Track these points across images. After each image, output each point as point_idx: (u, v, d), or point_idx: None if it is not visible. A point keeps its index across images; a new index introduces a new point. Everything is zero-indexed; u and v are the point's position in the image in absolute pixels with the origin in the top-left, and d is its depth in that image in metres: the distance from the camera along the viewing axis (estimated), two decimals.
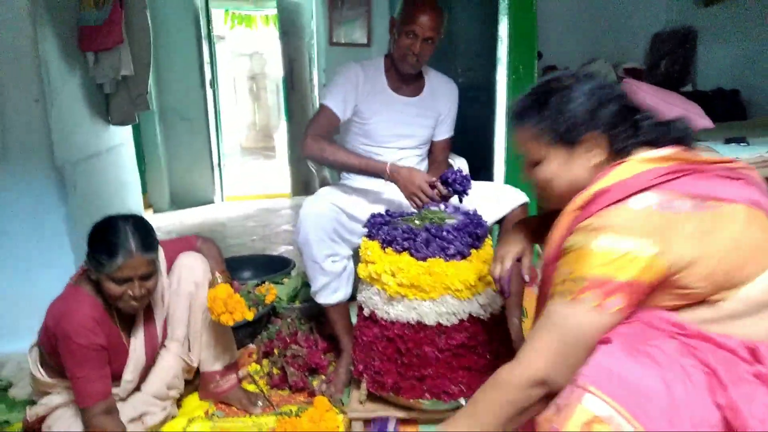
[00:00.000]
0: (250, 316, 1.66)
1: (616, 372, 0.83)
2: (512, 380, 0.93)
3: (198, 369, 1.80)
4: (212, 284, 1.70)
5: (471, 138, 2.52)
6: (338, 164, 1.89)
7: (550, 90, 1.05)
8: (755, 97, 4.00)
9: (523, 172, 1.13)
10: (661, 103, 2.44)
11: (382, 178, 1.81)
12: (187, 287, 1.69)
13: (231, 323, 1.63)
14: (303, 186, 5.69)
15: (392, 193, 2.04)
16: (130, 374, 1.60)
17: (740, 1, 4.16)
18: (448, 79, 2.20)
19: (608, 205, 0.93)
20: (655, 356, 0.84)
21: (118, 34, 2.47)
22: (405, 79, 2.06)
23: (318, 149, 1.87)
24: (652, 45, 5.24)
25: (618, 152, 1.02)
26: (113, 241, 1.44)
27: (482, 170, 2.48)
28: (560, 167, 1.05)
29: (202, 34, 5.06)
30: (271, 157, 9.31)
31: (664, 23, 5.20)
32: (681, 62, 4.91)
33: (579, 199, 0.99)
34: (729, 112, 3.80)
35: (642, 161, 0.97)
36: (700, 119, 2.42)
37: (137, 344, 1.61)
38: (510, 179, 2.47)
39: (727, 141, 2.41)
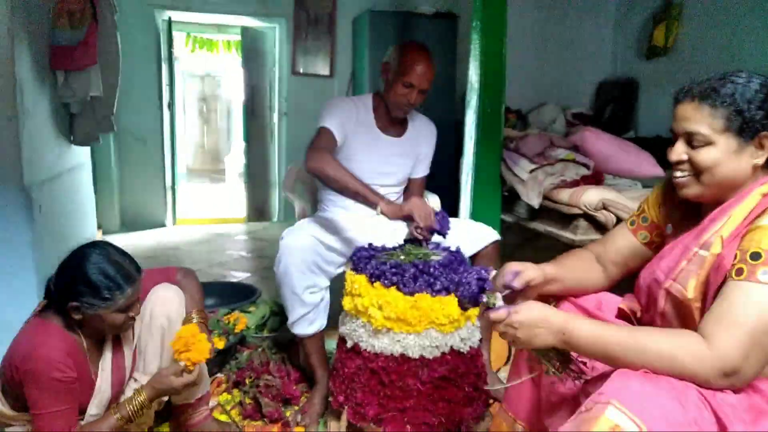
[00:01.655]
0: (205, 356, 1.62)
1: (636, 390, 0.91)
2: (702, 369, 0.93)
3: (169, 400, 1.77)
4: (186, 322, 1.66)
5: (438, 175, 2.61)
6: (339, 181, 1.84)
7: (736, 81, 1.06)
8: None
9: (676, 149, 1.11)
10: (618, 151, 2.62)
11: (373, 209, 1.84)
12: (159, 321, 1.62)
13: (190, 365, 1.54)
14: (258, 212, 5.66)
15: (370, 224, 2.10)
16: (95, 408, 1.54)
17: (677, 56, 4.50)
18: (428, 120, 2.30)
19: None
20: (671, 381, 0.93)
21: (92, 55, 2.45)
22: (391, 120, 2.14)
23: (323, 161, 1.85)
24: (598, 92, 5.56)
25: None
26: (116, 275, 1.41)
27: (449, 206, 2.57)
28: (728, 156, 1.06)
29: (163, 56, 5.02)
30: (219, 180, 9.19)
31: (609, 72, 5.54)
32: (624, 110, 5.23)
33: (764, 188, 1.05)
34: (666, 156, 4.07)
35: None
36: (652, 167, 2.61)
37: (104, 377, 1.55)
38: (476, 216, 2.57)
39: None
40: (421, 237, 1.77)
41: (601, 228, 2.35)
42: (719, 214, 1.09)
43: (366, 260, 1.57)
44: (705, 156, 1.07)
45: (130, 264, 1.47)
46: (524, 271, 1.22)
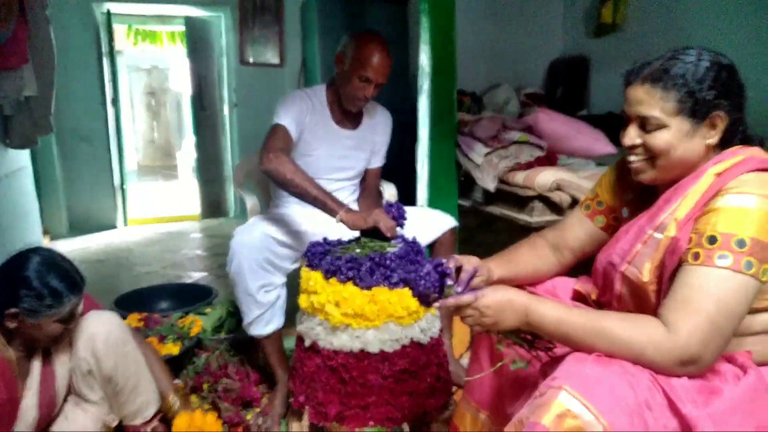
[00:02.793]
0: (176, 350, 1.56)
1: (588, 374, 0.90)
2: (661, 357, 0.92)
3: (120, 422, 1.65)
4: (169, 410, 1.56)
5: (394, 162, 2.58)
6: (296, 186, 1.74)
7: (686, 60, 1.04)
8: None
9: (629, 134, 1.09)
10: (571, 131, 2.63)
11: (333, 217, 1.73)
12: (85, 359, 1.46)
13: None
14: (213, 208, 5.53)
15: (322, 218, 2.04)
16: (22, 427, 1.43)
17: (626, 33, 4.56)
18: (384, 108, 2.24)
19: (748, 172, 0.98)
20: (623, 365, 0.92)
21: (23, 53, 2.30)
22: (346, 112, 2.08)
23: (280, 163, 1.75)
24: (550, 72, 5.60)
25: (725, 141, 1.06)
26: (62, 281, 1.33)
27: (406, 193, 2.54)
28: (681, 139, 1.04)
29: (103, 51, 4.81)
30: (172, 176, 8.95)
31: (560, 51, 5.58)
32: (576, 88, 5.29)
33: (717, 168, 1.03)
34: (619, 133, 4.14)
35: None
36: (604, 146, 2.63)
37: (30, 396, 1.42)
38: (433, 203, 2.55)
39: None
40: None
41: (557, 209, 2.36)
42: (673, 195, 1.07)
43: (320, 256, 1.52)
44: (659, 140, 1.05)
45: (75, 272, 1.39)
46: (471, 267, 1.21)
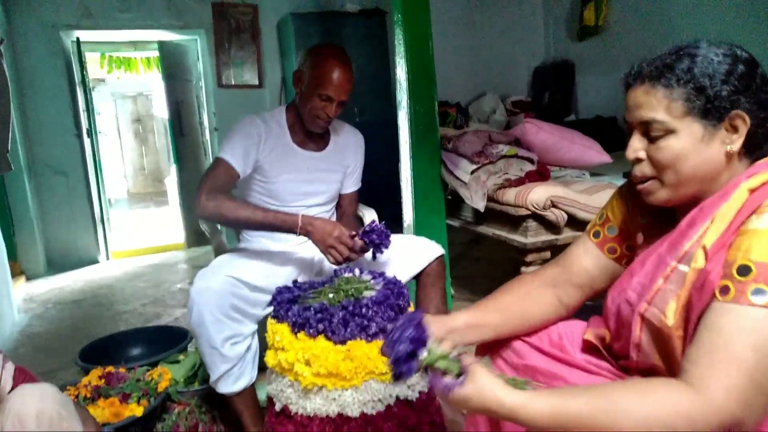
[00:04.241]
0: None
1: None
2: (698, 422, 0.73)
3: None
4: None
5: (375, 182, 2.41)
6: (241, 222, 1.69)
7: (693, 53, 0.88)
8: None
9: (631, 146, 0.92)
10: (562, 141, 2.46)
11: (293, 233, 1.65)
12: None
13: None
14: (198, 236, 5.34)
15: (301, 252, 1.87)
16: None
17: (610, 35, 4.45)
18: (354, 129, 2.09)
19: None
20: None
21: None
22: (310, 134, 1.92)
23: (215, 207, 1.66)
24: (534, 78, 5.49)
25: (752, 148, 0.88)
26: None
27: (393, 216, 2.38)
28: (693, 144, 0.87)
29: (76, 81, 4.64)
30: (163, 203, 8.80)
31: (544, 57, 5.48)
32: (562, 93, 5.16)
33: (751, 182, 0.83)
34: (609, 138, 4.01)
35: None
36: (599, 155, 2.46)
37: None
38: (420, 225, 2.38)
39: (626, 175, 2.46)
40: (332, 262, 1.61)
41: (553, 227, 2.19)
42: (698, 217, 0.88)
43: (287, 305, 1.34)
44: (666, 149, 0.88)
45: None
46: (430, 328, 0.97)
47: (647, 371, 0.96)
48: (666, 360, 0.90)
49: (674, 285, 0.87)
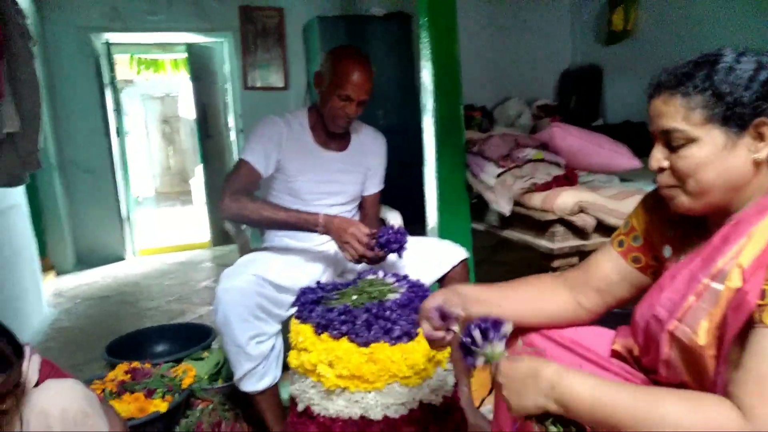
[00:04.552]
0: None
1: None
2: None
3: None
4: None
5: (399, 185, 2.41)
6: (264, 221, 1.74)
7: (714, 60, 0.86)
8: None
9: (654, 155, 0.91)
10: (590, 145, 2.43)
11: (315, 231, 1.67)
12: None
13: None
14: (223, 235, 5.39)
15: (325, 252, 1.88)
16: None
17: (639, 39, 4.38)
18: (376, 130, 2.10)
19: None
20: None
21: None
22: (331, 134, 1.94)
23: (238, 208, 1.71)
24: (561, 82, 5.43)
25: None
26: None
27: (414, 219, 2.37)
28: (715, 153, 0.85)
29: (105, 82, 4.73)
30: (188, 202, 8.93)
31: (571, 61, 5.42)
32: (589, 97, 5.10)
33: None
34: (638, 143, 3.95)
35: None
36: (628, 160, 2.42)
37: None
38: (444, 228, 2.37)
39: (656, 181, 2.42)
40: (349, 259, 1.61)
41: (580, 233, 2.16)
42: (733, 233, 0.85)
43: (311, 306, 1.34)
44: (687, 158, 0.86)
45: (7, 345, 1.16)
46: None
47: (677, 387, 0.94)
48: (696, 378, 0.88)
49: (707, 303, 0.85)
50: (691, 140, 0.86)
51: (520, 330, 1.09)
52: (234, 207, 1.71)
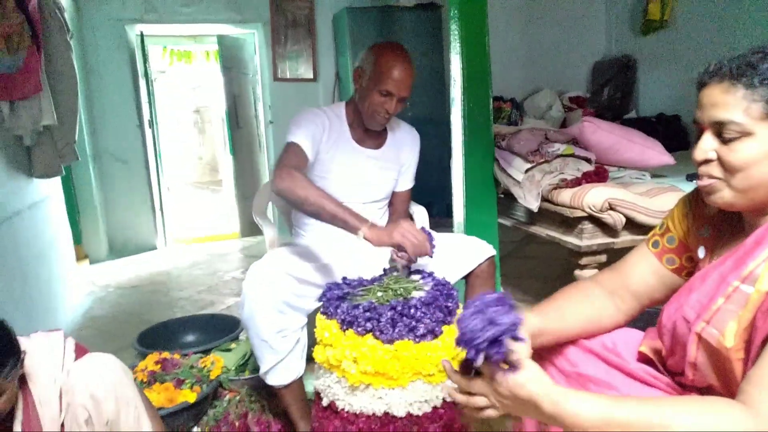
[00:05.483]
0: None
1: None
2: None
3: None
4: None
5: (426, 178, 2.40)
6: (312, 205, 1.59)
7: None
8: None
9: (701, 146, 0.87)
10: (621, 140, 2.38)
11: (356, 233, 1.55)
12: (81, 402, 1.28)
13: None
14: (252, 226, 5.45)
15: (353, 249, 1.87)
16: None
17: (676, 30, 4.26)
18: (410, 127, 2.08)
19: None
20: None
21: (35, 82, 2.23)
22: (368, 131, 1.93)
23: (291, 182, 1.61)
24: (594, 73, 5.33)
25: None
26: None
27: (440, 213, 2.36)
28: None
29: (139, 73, 4.81)
30: (218, 191, 9.05)
31: (604, 51, 5.31)
32: (622, 89, 4.99)
33: None
34: (672, 137, 3.86)
35: None
36: (660, 156, 2.36)
37: None
38: (471, 223, 2.35)
39: (689, 177, 2.36)
40: (402, 263, 1.55)
41: (610, 230, 2.12)
42: (766, 236, 0.83)
43: (336, 302, 1.35)
44: (740, 152, 0.83)
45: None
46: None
47: (704, 390, 0.92)
48: (723, 380, 0.86)
49: (735, 305, 0.83)
50: (746, 134, 0.82)
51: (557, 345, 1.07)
52: (287, 180, 1.62)
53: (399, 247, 1.49)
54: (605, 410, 0.78)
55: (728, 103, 0.83)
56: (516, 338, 0.85)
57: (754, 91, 0.81)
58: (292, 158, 1.72)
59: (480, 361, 0.85)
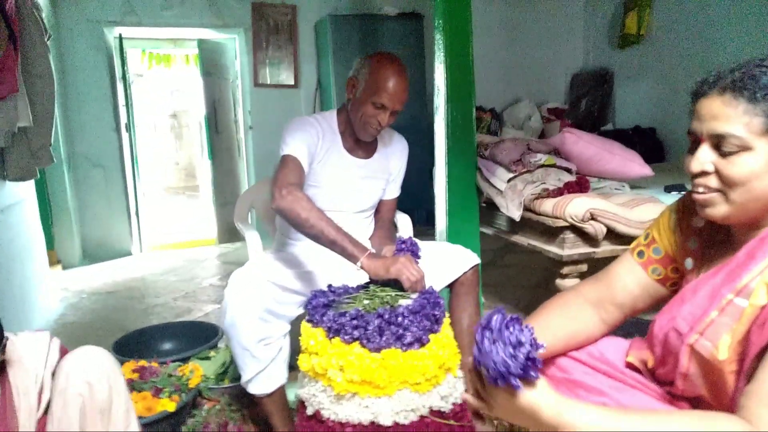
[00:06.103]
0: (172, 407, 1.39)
1: None
2: None
3: None
4: None
5: (407, 187, 2.39)
6: (311, 228, 1.56)
7: None
8: (670, 134, 4.16)
9: (698, 157, 0.86)
10: (602, 152, 2.41)
11: (354, 262, 1.53)
12: (77, 388, 1.27)
13: None
14: (229, 232, 5.40)
15: (335, 257, 1.85)
16: None
17: (652, 44, 4.36)
18: (399, 135, 2.07)
19: None
20: None
21: (11, 82, 2.18)
22: (359, 140, 1.91)
23: (293, 200, 1.57)
24: (572, 85, 5.42)
25: None
26: None
27: (422, 221, 2.36)
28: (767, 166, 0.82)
29: (117, 76, 4.74)
30: (195, 197, 8.95)
31: (582, 64, 5.40)
32: (600, 101, 5.08)
33: None
34: (649, 149, 3.93)
35: None
36: (641, 168, 2.40)
37: None
38: (453, 231, 2.36)
39: (667, 189, 2.41)
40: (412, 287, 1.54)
41: (591, 240, 2.14)
42: (758, 248, 0.84)
43: (322, 309, 1.33)
44: (739, 166, 0.82)
45: None
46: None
47: (693, 400, 0.93)
48: (714, 391, 0.87)
49: (729, 318, 0.83)
50: (746, 149, 0.82)
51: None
52: (289, 199, 1.58)
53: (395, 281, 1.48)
54: (606, 423, 0.78)
55: (729, 116, 0.83)
56: (537, 347, 0.84)
57: (756, 106, 0.81)
58: (290, 174, 1.68)
59: (520, 384, 0.82)
